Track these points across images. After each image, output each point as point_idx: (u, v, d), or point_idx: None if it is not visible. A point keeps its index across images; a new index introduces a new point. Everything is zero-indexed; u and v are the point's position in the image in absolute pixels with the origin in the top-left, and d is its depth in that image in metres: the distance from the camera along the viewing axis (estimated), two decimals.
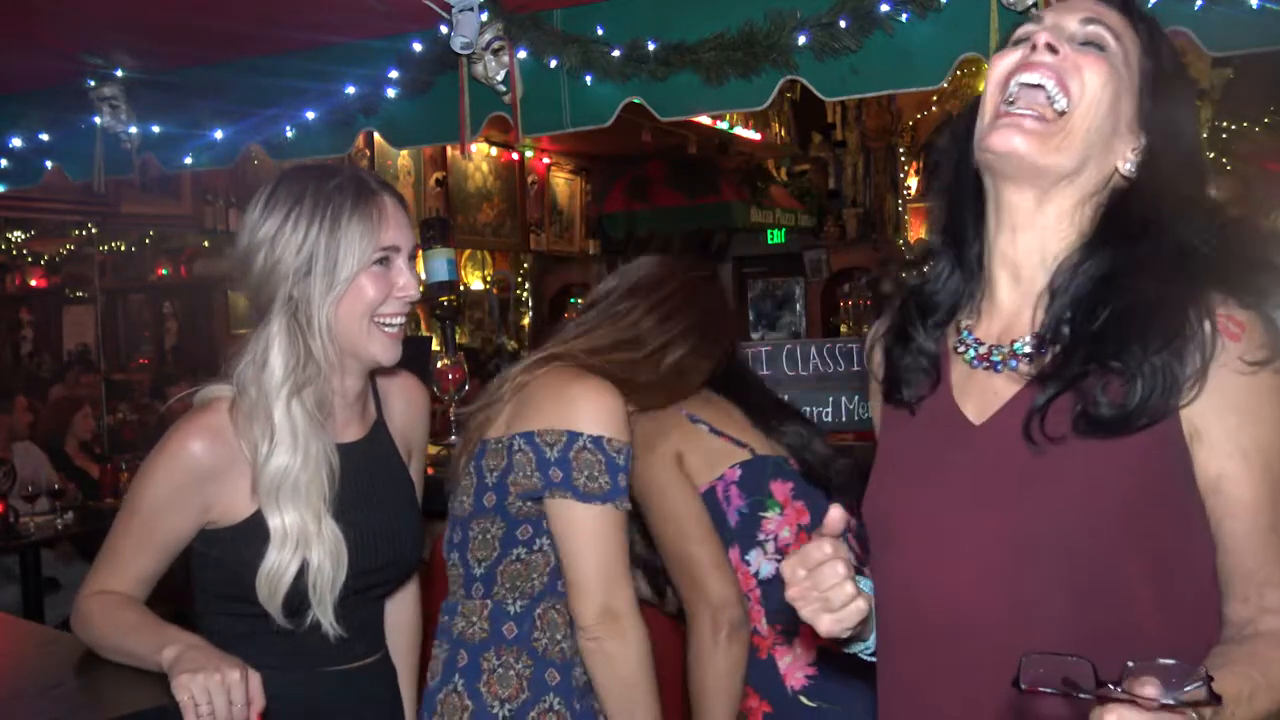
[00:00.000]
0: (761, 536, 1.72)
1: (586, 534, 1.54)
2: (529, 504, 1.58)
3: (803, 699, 1.63)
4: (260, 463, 1.46)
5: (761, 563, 1.71)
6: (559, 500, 1.54)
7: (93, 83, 3.27)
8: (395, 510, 1.62)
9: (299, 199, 1.48)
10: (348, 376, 1.56)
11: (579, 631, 1.56)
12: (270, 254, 1.47)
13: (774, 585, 1.67)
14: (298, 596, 1.49)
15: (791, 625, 1.63)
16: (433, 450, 2.36)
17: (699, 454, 1.76)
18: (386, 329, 1.53)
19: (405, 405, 1.71)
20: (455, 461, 1.70)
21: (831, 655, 1.59)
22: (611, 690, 1.56)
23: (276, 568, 1.46)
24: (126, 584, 1.50)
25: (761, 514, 1.72)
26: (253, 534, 1.48)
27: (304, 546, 1.47)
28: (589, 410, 1.56)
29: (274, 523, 1.46)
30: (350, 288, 1.48)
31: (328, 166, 1.58)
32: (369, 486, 1.57)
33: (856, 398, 2.59)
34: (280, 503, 1.46)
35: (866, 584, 1.15)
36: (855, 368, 2.58)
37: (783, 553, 1.70)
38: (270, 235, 1.48)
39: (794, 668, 1.65)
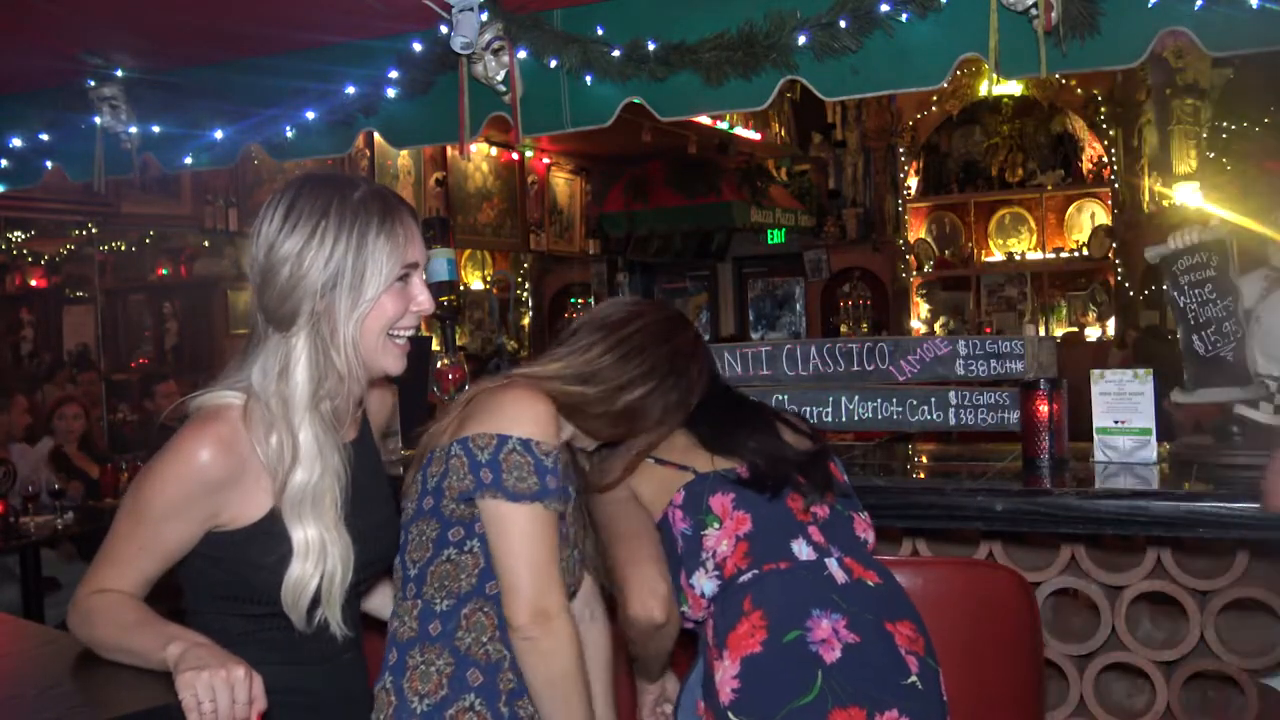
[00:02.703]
0: (703, 555, 1.72)
1: (517, 533, 1.58)
2: (462, 506, 1.62)
3: (730, 714, 1.60)
4: (284, 478, 1.46)
5: (704, 582, 1.71)
6: (490, 500, 1.58)
7: (93, 83, 3.26)
8: (382, 505, 1.67)
9: (325, 213, 1.48)
10: (356, 385, 1.58)
11: (512, 632, 1.58)
12: (297, 268, 1.47)
13: (719, 600, 1.69)
14: (313, 601, 1.50)
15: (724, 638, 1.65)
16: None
17: (649, 486, 1.80)
18: (398, 341, 1.56)
19: (380, 403, 1.76)
20: (408, 473, 1.75)
21: (759, 665, 1.59)
22: (544, 688, 1.59)
23: (301, 578, 1.47)
24: (126, 585, 1.50)
25: (703, 532, 1.72)
26: (264, 538, 1.49)
27: (324, 556, 1.48)
28: (518, 415, 1.61)
29: (297, 536, 1.47)
30: (374, 305, 1.50)
31: (344, 177, 1.59)
32: (362, 485, 1.58)
33: (857, 397, 2.58)
34: (303, 516, 1.47)
35: None
36: (855, 368, 2.57)
37: (721, 567, 1.70)
38: (297, 250, 1.47)
39: (724, 680, 1.62)
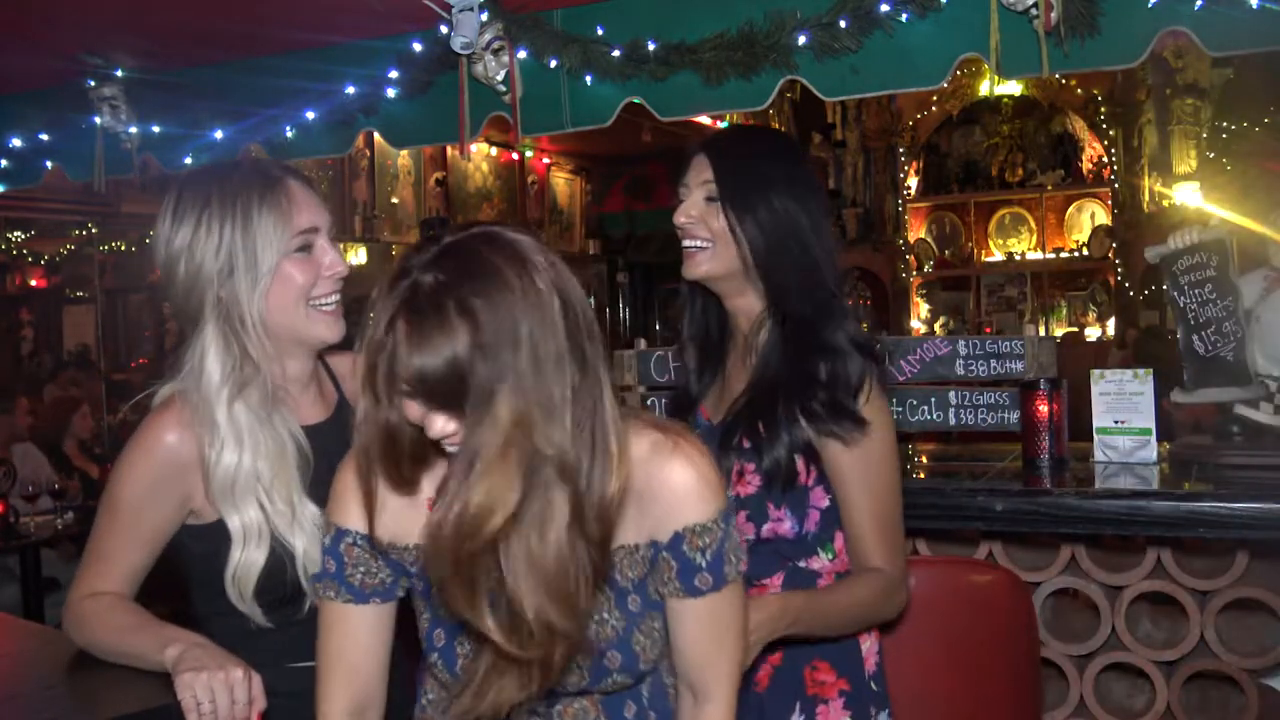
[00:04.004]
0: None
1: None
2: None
3: (872, 685, 1.63)
4: (209, 466, 1.47)
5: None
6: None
7: (93, 83, 3.26)
8: None
9: (206, 201, 1.49)
10: (292, 361, 1.57)
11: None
12: (190, 261, 1.48)
13: None
14: (287, 587, 1.49)
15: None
16: None
17: None
18: (324, 308, 1.54)
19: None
20: None
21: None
22: None
23: (244, 565, 1.46)
24: (116, 583, 1.50)
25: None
26: (221, 535, 1.49)
27: (275, 538, 1.47)
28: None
29: (233, 523, 1.47)
30: (276, 278, 1.49)
31: (227, 163, 1.60)
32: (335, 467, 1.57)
33: None
34: (237, 501, 1.47)
35: None
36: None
37: None
38: (186, 243, 1.49)
39: (871, 653, 1.65)
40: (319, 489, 1.49)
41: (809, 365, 1.58)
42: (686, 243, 1.66)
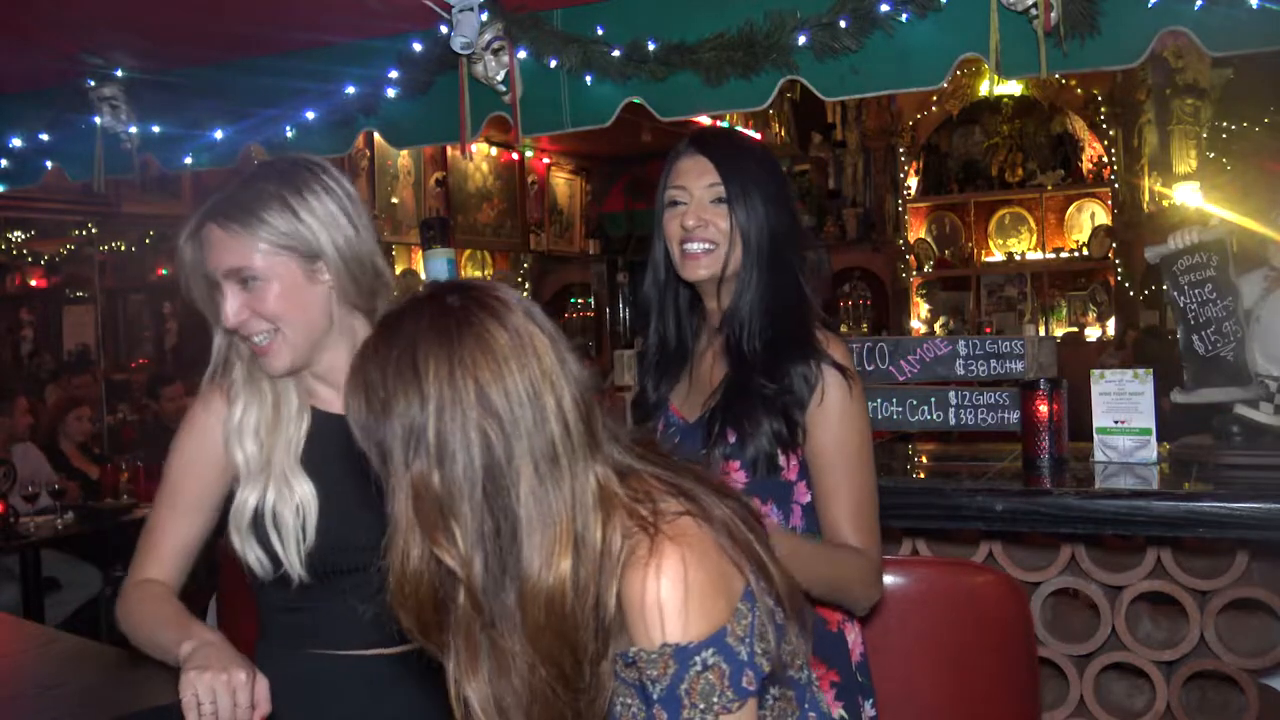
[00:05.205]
0: None
1: None
2: None
3: (858, 675, 1.65)
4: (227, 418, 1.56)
5: None
6: None
7: (93, 83, 3.26)
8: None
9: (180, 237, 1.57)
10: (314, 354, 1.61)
11: None
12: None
13: None
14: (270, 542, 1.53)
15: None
16: None
17: None
18: (255, 345, 1.54)
19: None
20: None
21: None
22: None
23: (238, 503, 1.54)
24: (163, 562, 1.55)
25: None
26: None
27: (265, 481, 1.53)
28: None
29: (238, 457, 1.54)
30: (216, 316, 1.55)
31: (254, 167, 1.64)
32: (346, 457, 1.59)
33: None
34: (241, 441, 1.54)
35: None
36: (855, 367, 2.56)
37: None
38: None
39: (856, 644, 1.68)
40: (316, 469, 1.55)
41: (790, 352, 1.62)
42: (691, 245, 1.66)
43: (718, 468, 1.62)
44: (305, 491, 1.54)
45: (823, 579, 1.54)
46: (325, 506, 1.54)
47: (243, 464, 1.54)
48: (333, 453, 1.53)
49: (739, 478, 1.62)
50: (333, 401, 1.58)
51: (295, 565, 1.52)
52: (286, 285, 1.49)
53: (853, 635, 1.68)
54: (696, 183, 1.67)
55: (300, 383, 1.59)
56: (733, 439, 1.62)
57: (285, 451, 1.55)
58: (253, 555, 1.53)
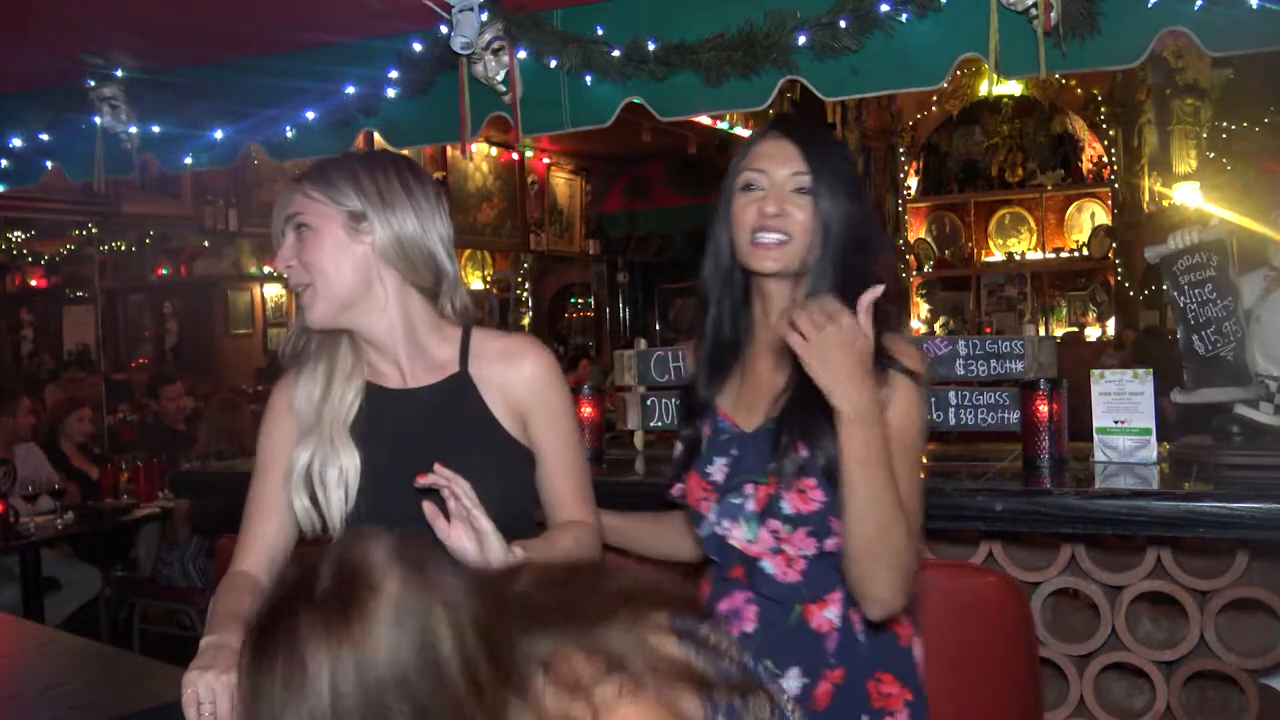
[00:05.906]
0: None
1: None
2: None
3: (924, 692, 1.60)
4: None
5: None
6: None
7: (93, 83, 3.26)
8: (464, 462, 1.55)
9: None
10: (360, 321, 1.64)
11: None
12: None
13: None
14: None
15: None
16: None
17: None
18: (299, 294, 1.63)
19: (513, 376, 1.67)
20: None
21: None
22: None
23: (297, 454, 1.59)
24: (252, 553, 1.61)
25: None
26: None
27: (316, 439, 1.59)
28: None
29: (294, 417, 1.62)
30: None
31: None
32: (414, 434, 1.61)
33: None
34: (304, 405, 1.62)
35: None
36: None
37: None
38: None
39: (920, 658, 1.62)
40: (364, 439, 1.59)
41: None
42: (764, 235, 1.53)
43: (789, 483, 1.51)
44: (349, 458, 1.59)
45: (881, 507, 1.41)
46: (369, 475, 1.58)
47: (298, 420, 1.62)
48: (383, 427, 1.60)
49: (816, 496, 1.51)
50: (388, 376, 1.65)
51: (336, 525, 1.58)
52: (328, 238, 1.57)
53: (917, 650, 1.60)
54: (780, 169, 1.55)
55: (359, 354, 1.65)
56: (804, 452, 1.50)
57: (333, 416, 1.60)
58: (300, 505, 1.60)
